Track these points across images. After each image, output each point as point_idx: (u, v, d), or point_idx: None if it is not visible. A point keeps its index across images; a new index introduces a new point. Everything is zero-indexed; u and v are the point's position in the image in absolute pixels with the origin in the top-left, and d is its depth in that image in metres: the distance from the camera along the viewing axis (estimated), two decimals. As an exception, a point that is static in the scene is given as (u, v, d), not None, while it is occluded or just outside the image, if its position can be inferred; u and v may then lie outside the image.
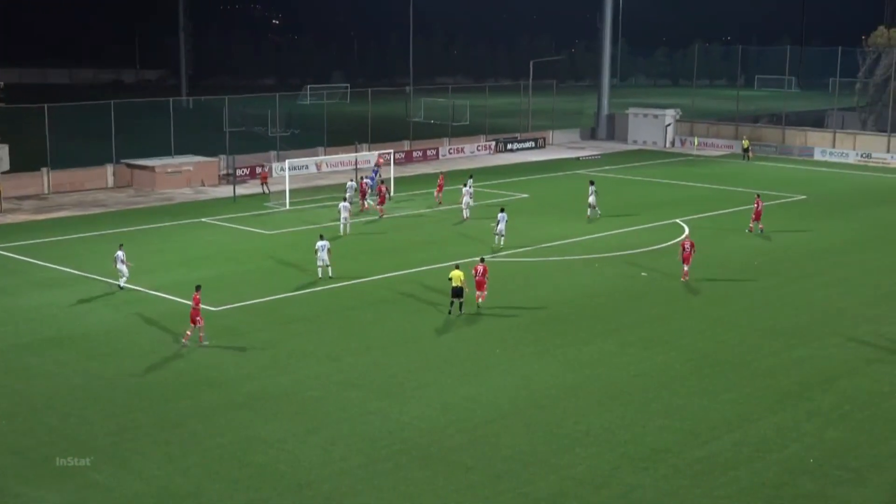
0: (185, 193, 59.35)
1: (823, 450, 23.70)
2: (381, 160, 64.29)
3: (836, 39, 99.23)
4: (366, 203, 53.07)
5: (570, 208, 54.76)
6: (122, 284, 36.77)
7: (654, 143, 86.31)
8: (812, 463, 22.97)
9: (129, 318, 33.61)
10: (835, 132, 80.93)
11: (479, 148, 79.56)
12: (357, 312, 34.55)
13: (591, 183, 53.76)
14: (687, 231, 47.61)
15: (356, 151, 66.22)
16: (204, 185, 61.64)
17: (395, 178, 59.99)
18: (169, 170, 61.01)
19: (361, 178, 54.56)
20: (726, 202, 57.33)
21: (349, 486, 21.66)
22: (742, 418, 25.51)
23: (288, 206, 54.34)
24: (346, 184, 55.86)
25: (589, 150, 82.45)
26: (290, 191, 55.55)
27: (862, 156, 76.83)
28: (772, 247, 45.77)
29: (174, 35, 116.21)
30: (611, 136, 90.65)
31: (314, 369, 28.90)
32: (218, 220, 51.28)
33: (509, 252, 43.28)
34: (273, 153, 68.18)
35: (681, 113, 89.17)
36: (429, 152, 76.00)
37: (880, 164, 75.29)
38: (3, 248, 44.02)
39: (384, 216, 51.41)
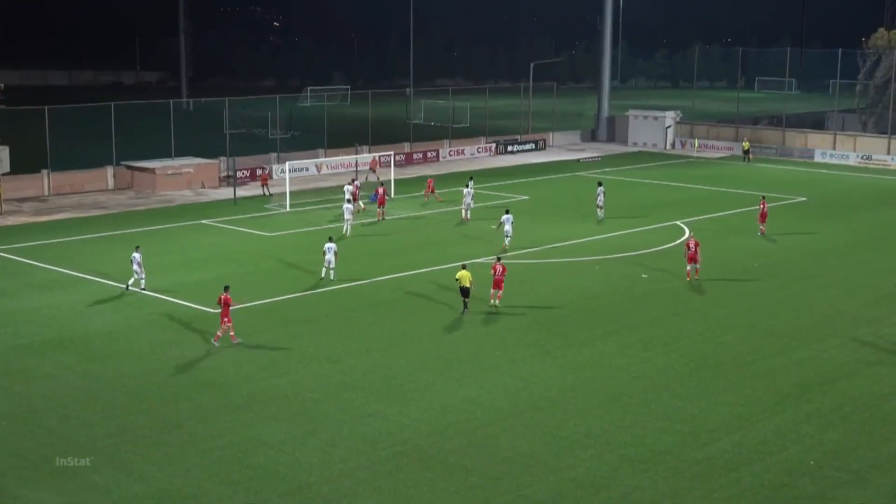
0: (185, 195, 59.36)
1: (823, 451, 23.69)
2: (375, 162, 64.64)
3: (837, 41, 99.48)
4: (360, 205, 53.09)
5: (571, 210, 54.80)
6: (132, 285, 36.81)
7: (655, 144, 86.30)
8: (812, 465, 22.97)
9: (129, 320, 33.63)
10: (835, 134, 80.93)
11: (480, 150, 79.56)
12: (357, 314, 34.55)
13: (600, 184, 53.87)
14: (688, 232, 47.55)
15: (356, 153, 66.26)
16: (204, 187, 61.64)
17: (395, 180, 59.99)
18: (169, 172, 61.02)
19: (352, 180, 54.68)
20: (727, 204, 57.34)
21: (349, 488, 21.66)
22: (742, 420, 25.51)
23: (288, 208, 54.36)
24: (344, 186, 55.84)
25: (589, 152, 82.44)
26: (291, 192, 55.58)
27: (862, 157, 76.82)
28: (772, 248, 45.77)
29: (174, 37, 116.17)
30: (611, 138, 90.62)
31: (314, 371, 28.90)
32: (218, 221, 51.29)
33: (509, 254, 43.24)
34: (273, 155, 68.20)
35: (681, 115, 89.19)
36: (429, 154, 76.02)
37: (881, 166, 75.26)
38: (3, 250, 44.02)
39: (385, 218, 51.40)
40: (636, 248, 44.99)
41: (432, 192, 56.01)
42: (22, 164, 57.54)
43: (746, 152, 77.23)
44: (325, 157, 70.14)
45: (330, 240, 39.10)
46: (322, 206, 55.42)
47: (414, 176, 67.02)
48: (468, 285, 34.01)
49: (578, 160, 77.68)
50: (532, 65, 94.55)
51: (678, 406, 26.38)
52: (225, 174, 63.20)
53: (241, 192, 59.09)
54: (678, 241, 45.94)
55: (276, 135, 67.49)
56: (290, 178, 57.05)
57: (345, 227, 47.42)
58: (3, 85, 60.65)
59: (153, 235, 47.52)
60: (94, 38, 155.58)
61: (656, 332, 32.72)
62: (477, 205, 53.25)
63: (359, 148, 69.76)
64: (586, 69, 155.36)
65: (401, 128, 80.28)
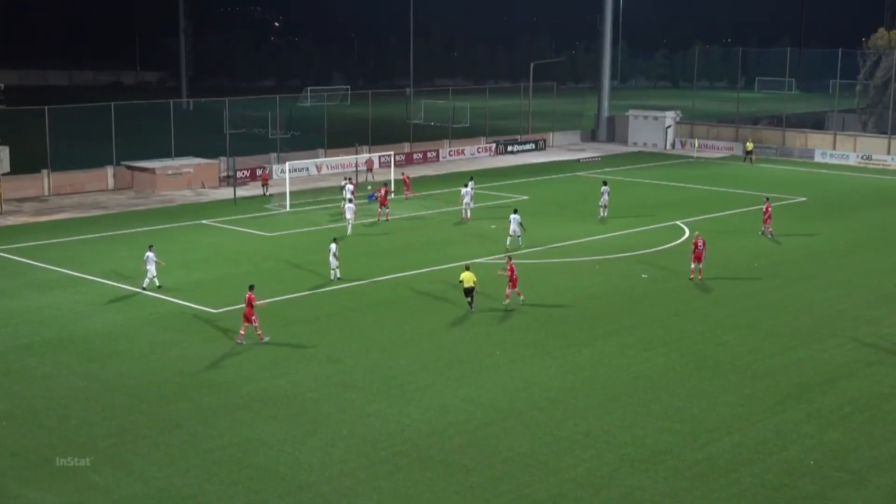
0: (185, 195, 59.35)
1: (823, 451, 23.69)
2: (371, 163, 64.72)
3: (836, 41, 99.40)
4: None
5: (571, 210, 54.80)
6: (146, 285, 36.83)
7: (655, 145, 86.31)
8: (812, 465, 22.97)
9: (130, 320, 33.63)
10: (835, 134, 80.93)
11: (480, 150, 79.56)
12: (357, 314, 34.55)
13: (604, 183, 53.91)
14: (688, 232, 47.58)
15: (356, 153, 66.27)
16: (204, 187, 61.64)
17: (395, 181, 59.99)
18: (169, 172, 61.02)
19: (349, 178, 54.70)
20: (727, 204, 57.34)
21: (349, 488, 21.66)
22: (742, 420, 25.51)
23: (288, 208, 54.37)
24: (344, 186, 55.80)
25: (589, 152, 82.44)
26: (291, 192, 55.58)
27: (862, 157, 76.83)
28: (772, 248, 45.77)
29: (174, 37, 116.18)
30: (611, 138, 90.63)
31: (314, 371, 28.91)
32: (218, 221, 51.30)
33: (510, 254, 43.19)
34: (273, 155, 68.20)
35: (681, 115, 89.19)
36: (429, 154, 76.04)
37: (881, 166, 75.26)
38: (3, 250, 44.02)
39: (389, 219, 51.35)
40: (636, 248, 44.99)
41: (407, 188, 56.70)
42: (22, 164, 57.53)
43: (749, 153, 76.98)
44: (325, 157, 70.15)
45: (334, 240, 39.13)
46: (322, 206, 55.40)
47: (414, 176, 66.95)
48: (472, 286, 34.07)
49: (578, 160, 77.68)
50: (532, 65, 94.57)
51: (678, 406, 26.38)
52: (225, 174, 63.21)
53: (241, 192, 59.10)
54: (678, 242, 45.96)
55: (276, 135, 67.48)
56: (290, 178, 57.06)
57: (347, 228, 47.47)
58: (3, 85, 60.72)
59: (153, 235, 47.46)
60: (94, 38, 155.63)
61: (656, 332, 32.72)
62: (477, 205, 53.28)
63: (359, 148, 69.78)
64: (586, 69, 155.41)
65: (401, 128, 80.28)
